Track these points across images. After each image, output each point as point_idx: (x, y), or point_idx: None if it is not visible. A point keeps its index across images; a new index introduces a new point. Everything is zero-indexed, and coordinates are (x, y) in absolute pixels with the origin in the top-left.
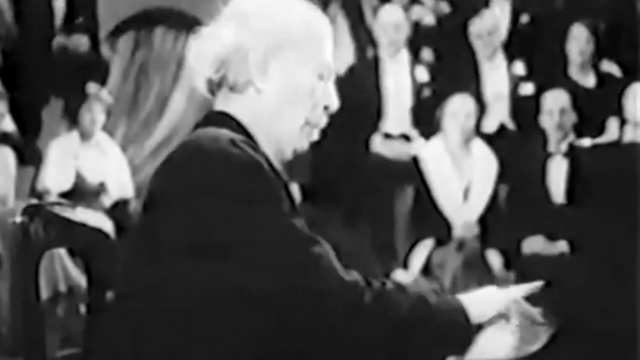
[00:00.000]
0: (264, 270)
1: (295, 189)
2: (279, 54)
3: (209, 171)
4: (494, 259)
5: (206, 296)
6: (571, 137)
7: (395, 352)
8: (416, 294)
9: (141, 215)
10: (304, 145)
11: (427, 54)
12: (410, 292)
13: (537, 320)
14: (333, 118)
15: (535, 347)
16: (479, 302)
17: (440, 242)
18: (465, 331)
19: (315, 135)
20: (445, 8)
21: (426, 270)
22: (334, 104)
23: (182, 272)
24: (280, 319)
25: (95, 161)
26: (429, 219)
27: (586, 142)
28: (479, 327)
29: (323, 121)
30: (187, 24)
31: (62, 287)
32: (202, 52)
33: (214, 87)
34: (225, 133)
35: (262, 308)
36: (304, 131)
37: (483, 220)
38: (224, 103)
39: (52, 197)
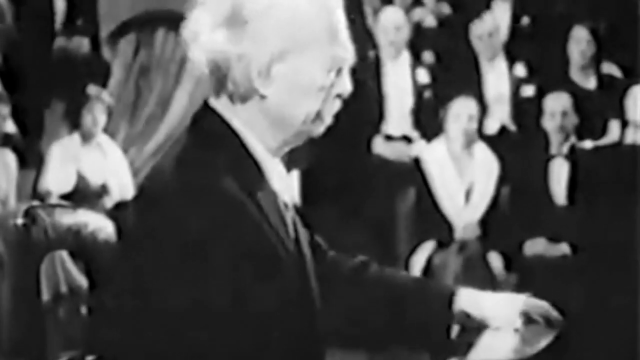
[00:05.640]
0: (243, 268)
1: (294, 177)
2: (284, 59)
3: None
4: (496, 261)
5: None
6: (572, 139)
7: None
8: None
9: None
10: (319, 130)
11: (428, 55)
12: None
13: (549, 314)
14: (334, 119)
15: (536, 348)
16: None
17: (442, 244)
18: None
19: (329, 120)
20: (446, 10)
21: (427, 272)
22: (347, 90)
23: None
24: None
25: (97, 163)
26: (431, 220)
27: (587, 144)
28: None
29: (336, 107)
30: None
31: (64, 289)
32: (195, 52)
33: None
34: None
35: (253, 304)
36: (315, 122)
37: (484, 222)
38: (224, 105)
39: (54, 199)
